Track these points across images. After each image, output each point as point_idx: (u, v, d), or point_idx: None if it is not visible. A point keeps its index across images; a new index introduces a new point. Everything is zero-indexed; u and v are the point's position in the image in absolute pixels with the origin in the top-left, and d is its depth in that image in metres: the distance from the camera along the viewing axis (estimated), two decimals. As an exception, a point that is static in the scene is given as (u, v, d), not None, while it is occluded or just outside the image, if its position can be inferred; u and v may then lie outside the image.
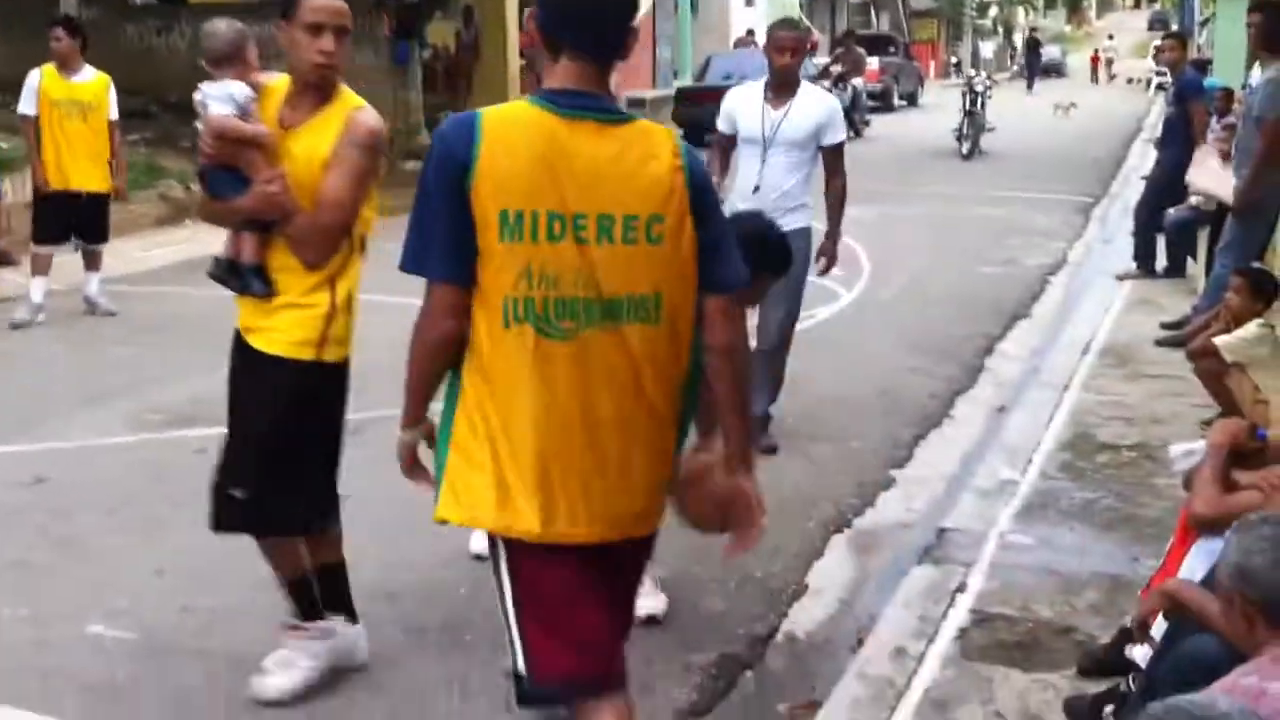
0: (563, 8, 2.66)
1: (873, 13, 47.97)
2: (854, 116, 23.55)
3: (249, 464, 3.81)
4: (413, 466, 2.87)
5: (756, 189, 5.99)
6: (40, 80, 8.88)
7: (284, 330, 3.73)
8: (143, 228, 12.65)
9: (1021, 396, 7.21)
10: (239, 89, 3.69)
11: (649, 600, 4.41)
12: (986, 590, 4.53)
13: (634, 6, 2.74)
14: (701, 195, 2.71)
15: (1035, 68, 43.71)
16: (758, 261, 3.35)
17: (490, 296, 2.60)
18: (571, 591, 2.69)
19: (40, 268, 8.99)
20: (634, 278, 2.64)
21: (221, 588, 4.63)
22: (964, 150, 20.18)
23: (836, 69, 23.89)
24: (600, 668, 2.72)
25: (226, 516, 3.87)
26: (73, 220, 8.99)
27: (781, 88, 6.04)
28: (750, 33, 30.62)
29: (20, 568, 4.86)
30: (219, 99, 3.67)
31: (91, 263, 9.17)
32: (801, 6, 39.68)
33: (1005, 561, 4.78)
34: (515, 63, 22.65)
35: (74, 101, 8.90)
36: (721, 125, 6.24)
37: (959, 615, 4.33)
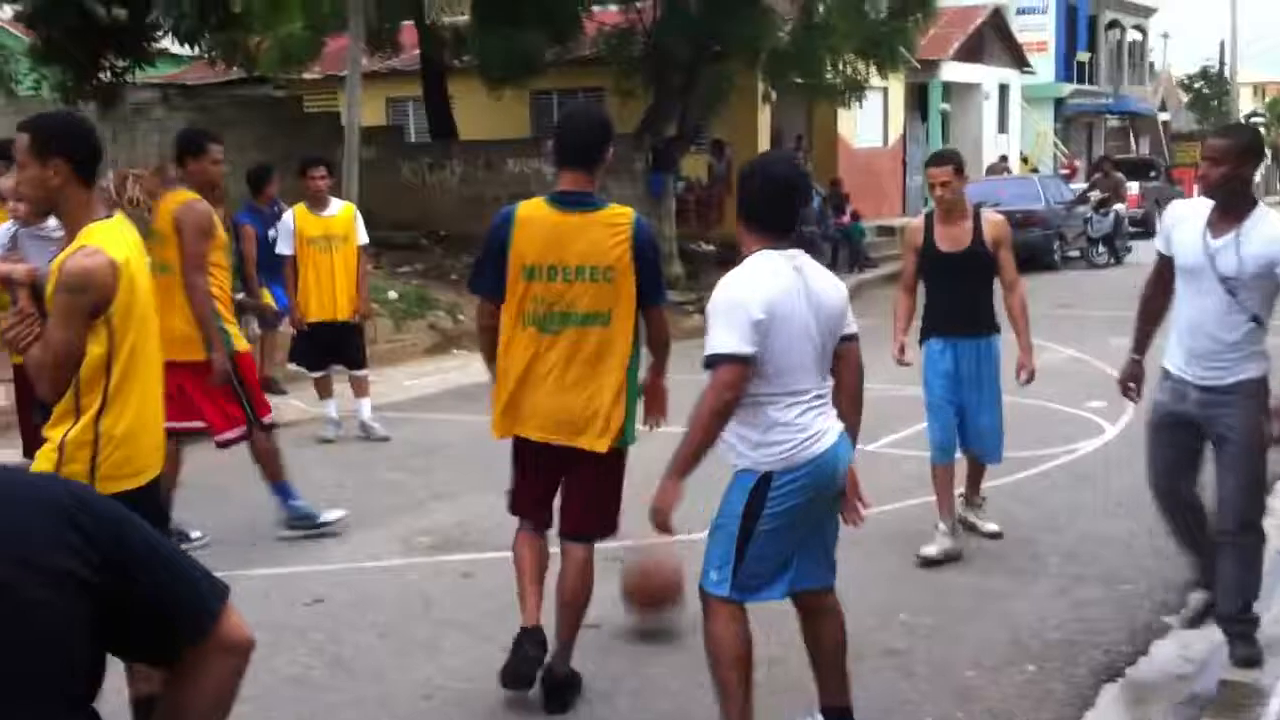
0: (560, 142, 4.69)
1: (1131, 137, 46.88)
2: (1115, 243, 23.01)
3: None
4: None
5: (1186, 330, 5.01)
6: (294, 220, 9.40)
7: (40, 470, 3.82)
8: (413, 357, 13.26)
9: (1306, 540, 6.79)
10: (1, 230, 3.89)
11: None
12: (1275, 751, 4.26)
13: (606, 138, 4.71)
14: (641, 252, 4.63)
15: None
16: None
17: (514, 310, 4.64)
18: (532, 468, 4.81)
19: (324, 391, 9.64)
20: (595, 302, 4.59)
21: (484, 711, 4.75)
22: (1233, 277, 19.38)
23: (1095, 194, 23.41)
24: (533, 514, 4.86)
25: None
26: (332, 348, 9.51)
27: (1225, 209, 4.83)
28: (1003, 159, 30.35)
29: (298, 684, 5.08)
30: None
31: (359, 389, 9.66)
32: (1057, 132, 39.17)
33: (1295, 720, 4.49)
34: (767, 193, 23.01)
35: (327, 236, 9.32)
36: (1159, 244, 5.21)
37: (1246, 777, 4.09)
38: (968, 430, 6.71)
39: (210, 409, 6.59)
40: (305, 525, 7.04)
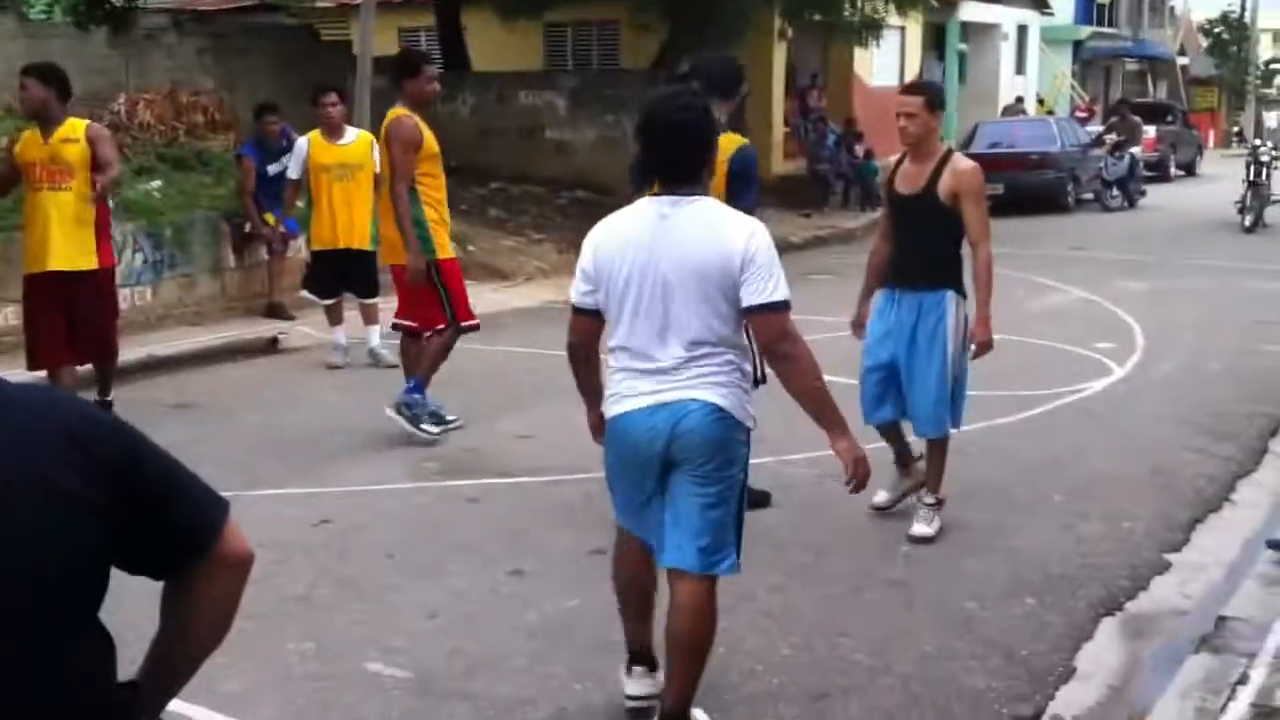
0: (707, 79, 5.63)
1: (1149, 81, 46.49)
2: (1129, 186, 22.89)
3: None
4: None
5: None
6: (308, 148, 9.55)
7: None
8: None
9: (1309, 482, 6.82)
10: None
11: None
12: (1269, 684, 4.29)
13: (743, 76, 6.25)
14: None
15: None
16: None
17: None
18: None
19: (334, 318, 9.78)
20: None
21: (488, 633, 4.81)
22: (1246, 223, 19.28)
23: (1111, 138, 23.26)
24: None
25: None
26: (343, 276, 9.62)
27: None
28: (1019, 100, 30.11)
29: (305, 603, 5.14)
30: None
31: (369, 317, 9.69)
32: (1075, 74, 38.80)
33: (1291, 655, 4.53)
34: (780, 129, 22.90)
35: (342, 165, 9.45)
36: None
37: (1239, 709, 4.12)
38: (905, 395, 5.95)
39: (416, 309, 7.40)
40: (419, 416, 7.36)
